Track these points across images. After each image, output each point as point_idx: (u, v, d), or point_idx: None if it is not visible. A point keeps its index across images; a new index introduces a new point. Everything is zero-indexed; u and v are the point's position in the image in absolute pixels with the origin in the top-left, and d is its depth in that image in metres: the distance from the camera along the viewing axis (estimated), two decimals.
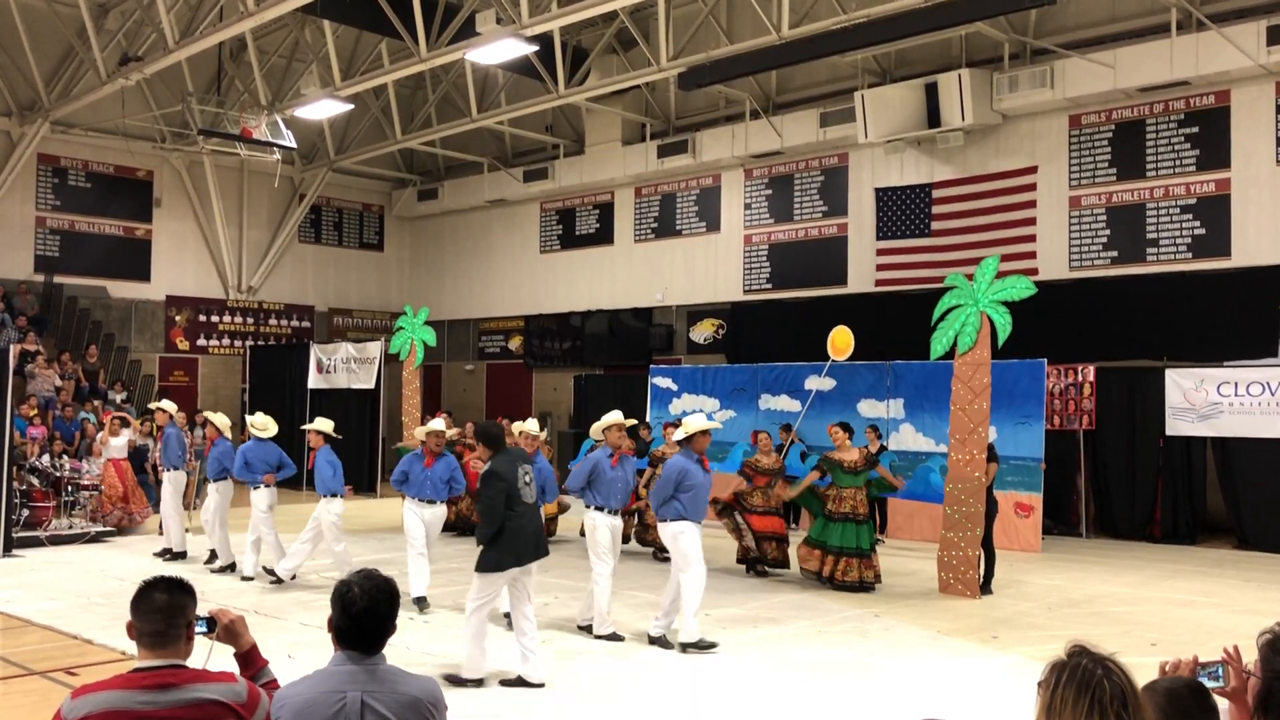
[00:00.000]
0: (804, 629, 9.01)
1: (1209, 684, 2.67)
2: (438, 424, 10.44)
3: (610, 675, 7.53)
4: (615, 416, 9.03)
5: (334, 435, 11.08)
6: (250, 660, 3.23)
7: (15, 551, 12.79)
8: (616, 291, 22.47)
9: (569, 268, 23.48)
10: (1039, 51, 16.65)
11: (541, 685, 7.07)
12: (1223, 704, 2.69)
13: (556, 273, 23.72)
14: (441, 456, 10.18)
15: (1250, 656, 2.67)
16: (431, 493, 9.94)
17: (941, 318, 10.91)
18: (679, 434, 8.73)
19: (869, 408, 15.08)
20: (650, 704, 6.89)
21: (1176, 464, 14.43)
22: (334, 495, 10.54)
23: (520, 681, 7.09)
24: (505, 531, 7.01)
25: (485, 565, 7.05)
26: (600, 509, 8.60)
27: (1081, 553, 13.58)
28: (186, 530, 13.16)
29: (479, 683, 7.09)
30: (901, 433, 14.89)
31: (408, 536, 9.91)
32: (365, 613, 2.96)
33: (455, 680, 7.02)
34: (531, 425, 11.37)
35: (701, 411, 11.46)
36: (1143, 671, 2.73)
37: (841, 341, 14.24)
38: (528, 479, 7.20)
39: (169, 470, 12.94)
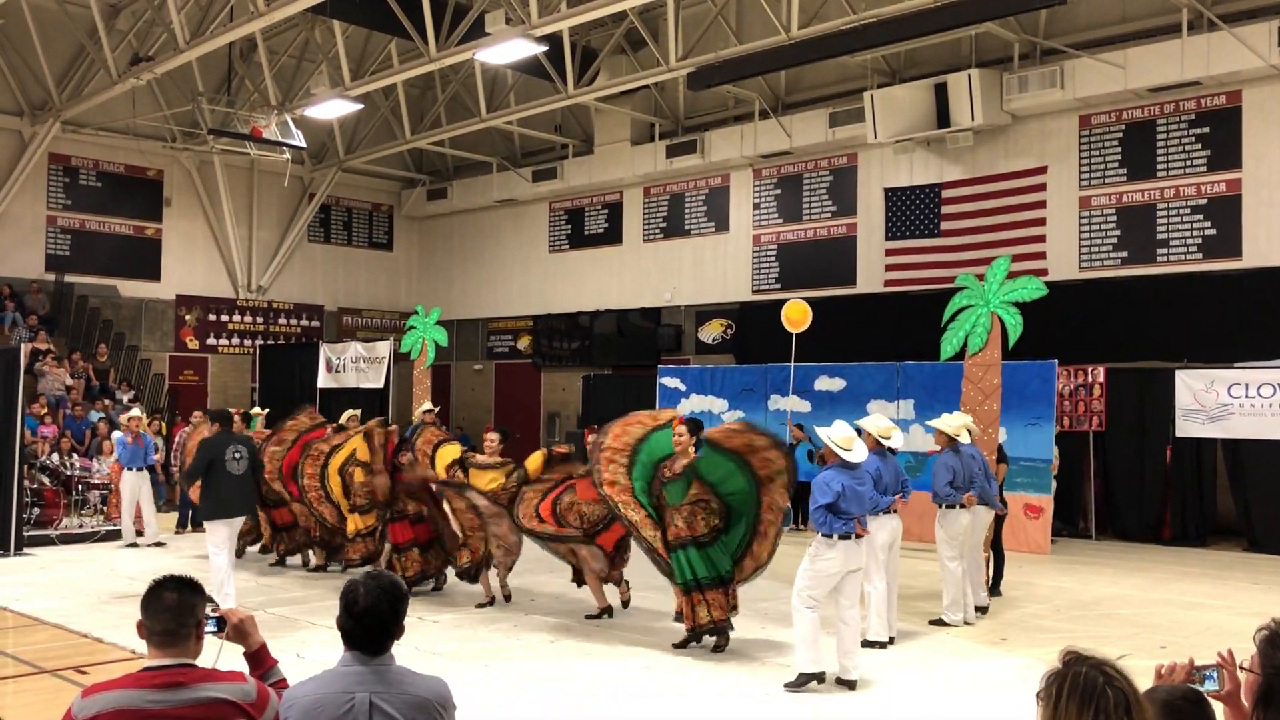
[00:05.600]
0: None
1: (1205, 688, 2.64)
2: (880, 418, 7.81)
3: (607, 673, 7.54)
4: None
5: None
6: (259, 659, 3.23)
7: (26, 550, 12.86)
8: (625, 291, 22.46)
9: (578, 268, 23.48)
10: (1049, 52, 16.61)
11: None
12: (1218, 706, 2.67)
13: (565, 273, 23.72)
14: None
15: (1249, 657, 2.64)
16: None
17: (952, 318, 10.89)
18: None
19: (879, 408, 15.03)
20: (653, 711, 6.89)
21: (1186, 466, 14.36)
22: None
23: None
24: (214, 489, 9.37)
25: (205, 515, 9.62)
26: None
27: (1090, 554, 13.54)
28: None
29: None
30: (911, 434, 14.83)
31: (812, 585, 7.09)
32: (367, 613, 2.97)
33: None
34: (850, 428, 7.56)
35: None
36: (1150, 675, 2.72)
37: (796, 314, 14.11)
38: (237, 455, 9.45)
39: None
